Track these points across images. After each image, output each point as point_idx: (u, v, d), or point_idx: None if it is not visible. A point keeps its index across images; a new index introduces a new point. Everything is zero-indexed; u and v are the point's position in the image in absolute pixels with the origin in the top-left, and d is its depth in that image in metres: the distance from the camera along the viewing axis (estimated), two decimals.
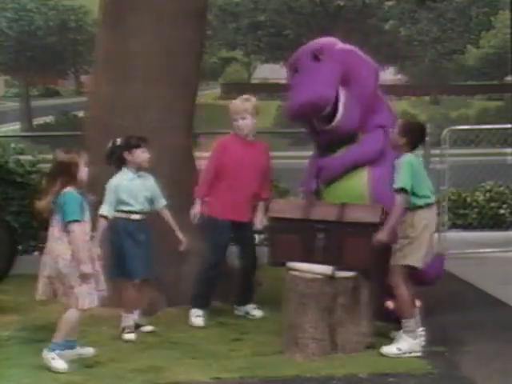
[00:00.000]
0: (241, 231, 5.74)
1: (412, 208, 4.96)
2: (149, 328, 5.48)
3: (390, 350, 4.93)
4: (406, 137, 5.03)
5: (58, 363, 4.69)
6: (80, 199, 4.71)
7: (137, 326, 5.43)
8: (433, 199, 5.10)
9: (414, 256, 4.96)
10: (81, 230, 4.69)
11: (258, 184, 5.74)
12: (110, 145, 5.39)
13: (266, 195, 5.83)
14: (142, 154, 5.36)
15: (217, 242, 5.65)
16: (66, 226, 4.68)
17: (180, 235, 5.46)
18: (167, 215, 5.48)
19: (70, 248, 4.67)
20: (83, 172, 4.76)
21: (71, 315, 4.73)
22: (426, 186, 5.08)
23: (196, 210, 5.67)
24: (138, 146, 5.35)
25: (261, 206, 5.80)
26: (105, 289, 4.80)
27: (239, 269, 5.89)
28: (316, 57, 5.33)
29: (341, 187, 5.32)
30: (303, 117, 5.37)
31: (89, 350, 4.92)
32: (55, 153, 4.85)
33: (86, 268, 4.65)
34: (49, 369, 4.67)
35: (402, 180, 4.93)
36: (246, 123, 5.69)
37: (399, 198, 4.91)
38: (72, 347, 4.83)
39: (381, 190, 5.17)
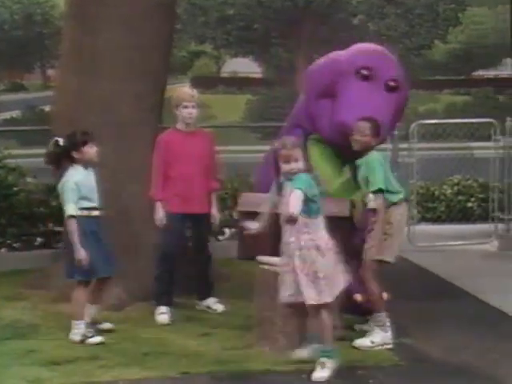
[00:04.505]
0: (196, 225, 5.71)
1: (388, 205, 4.95)
2: (108, 325, 5.31)
3: (363, 342, 4.95)
4: (379, 137, 5.00)
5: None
6: None
7: (94, 323, 5.22)
8: (403, 194, 5.10)
9: (389, 251, 4.99)
10: None
11: (205, 174, 5.66)
12: (51, 146, 5.14)
13: (216, 185, 5.79)
14: (90, 150, 5.16)
15: (168, 235, 5.59)
16: None
17: None
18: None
19: None
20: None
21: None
22: (395, 182, 5.07)
23: (160, 213, 5.59)
24: (85, 143, 5.16)
25: (213, 197, 5.76)
26: None
27: (194, 263, 5.83)
28: (363, 76, 5.24)
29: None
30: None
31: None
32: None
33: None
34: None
35: (378, 180, 4.90)
36: (196, 112, 5.63)
37: (379, 200, 4.89)
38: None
39: None
